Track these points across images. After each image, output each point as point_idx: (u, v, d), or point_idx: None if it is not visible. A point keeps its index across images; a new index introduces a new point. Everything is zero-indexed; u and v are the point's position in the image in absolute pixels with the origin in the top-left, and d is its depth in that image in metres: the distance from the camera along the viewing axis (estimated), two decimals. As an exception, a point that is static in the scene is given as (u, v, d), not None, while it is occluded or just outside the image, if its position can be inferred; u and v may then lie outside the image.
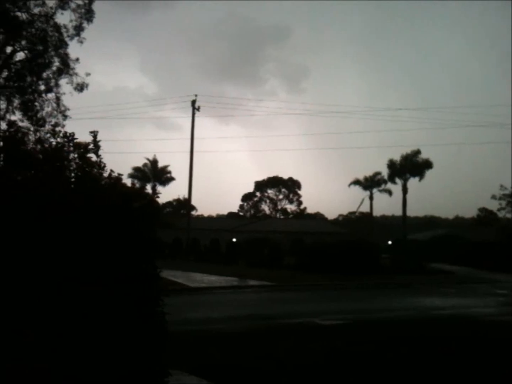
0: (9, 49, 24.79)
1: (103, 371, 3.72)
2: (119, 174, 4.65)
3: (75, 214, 3.97)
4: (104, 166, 4.67)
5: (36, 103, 25.42)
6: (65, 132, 4.67)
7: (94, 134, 4.74)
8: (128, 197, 4.33)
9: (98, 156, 4.68)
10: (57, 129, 4.97)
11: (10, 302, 3.73)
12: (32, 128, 24.32)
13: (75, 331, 3.71)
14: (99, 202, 4.11)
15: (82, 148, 4.60)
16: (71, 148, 4.60)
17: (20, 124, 24.45)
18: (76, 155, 4.59)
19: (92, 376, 3.69)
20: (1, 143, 4.62)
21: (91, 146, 4.66)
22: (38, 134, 22.95)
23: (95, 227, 3.99)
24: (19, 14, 24.43)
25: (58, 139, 4.62)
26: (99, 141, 4.73)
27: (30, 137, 5.02)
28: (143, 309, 4.07)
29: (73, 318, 3.73)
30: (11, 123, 4.82)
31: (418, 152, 57.69)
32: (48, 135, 5.03)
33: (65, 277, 3.78)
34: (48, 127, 24.20)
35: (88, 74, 26.17)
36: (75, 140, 4.64)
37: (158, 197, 5.13)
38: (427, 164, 57.34)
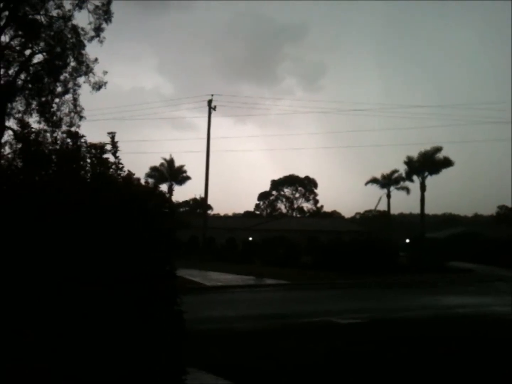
0: (27, 52, 25.13)
1: (105, 371, 3.72)
2: (130, 174, 4.65)
3: (75, 214, 3.98)
4: (123, 167, 4.67)
5: (54, 105, 25.71)
6: (76, 132, 4.69)
7: (112, 135, 4.74)
8: (125, 196, 4.27)
9: (116, 157, 4.68)
10: (73, 129, 5.05)
11: (10, 302, 3.75)
12: (49, 129, 24.57)
13: (75, 331, 3.71)
14: (104, 202, 4.09)
15: (98, 149, 4.62)
16: (84, 149, 4.63)
17: (38, 126, 24.80)
18: (89, 155, 4.61)
19: (94, 376, 3.68)
20: (19, 144, 4.68)
21: (109, 147, 4.67)
22: (54, 134, 23.20)
23: (93, 227, 3.99)
24: (37, 17, 24.75)
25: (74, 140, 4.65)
26: (117, 142, 4.73)
27: (48, 138, 5.08)
28: (147, 309, 4.02)
29: (73, 318, 3.73)
30: (24, 125, 4.86)
31: (438, 149, 55.88)
32: (64, 135, 5.08)
33: (65, 277, 3.78)
34: (64, 127, 24.48)
35: (105, 73, 26.37)
36: (88, 141, 4.65)
37: (163, 194, 5.08)
38: (447, 162, 55.56)
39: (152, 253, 4.22)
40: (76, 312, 3.75)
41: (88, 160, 4.58)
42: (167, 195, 5.13)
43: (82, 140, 4.65)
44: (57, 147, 4.77)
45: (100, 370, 3.72)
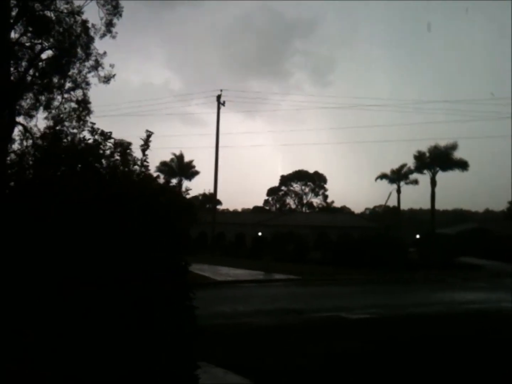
0: (36, 48, 25.19)
1: (106, 371, 3.69)
2: (142, 170, 4.61)
3: (76, 214, 3.96)
4: (148, 166, 4.64)
5: (62, 100, 25.80)
6: (103, 131, 4.62)
7: (149, 134, 4.73)
8: (128, 195, 4.19)
9: (144, 154, 4.66)
10: (77, 124, 4.96)
11: (11, 302, 3.73)
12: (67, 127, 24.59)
13: (75, 331, 3.68)
14: (105, 202, 4.03)
15: (121, 147, 4.58)
16: (108, 146, 4.58)
17: (45, 121, 24.92)
18: (109, 153, 4.56)
19: (94, 376, 3.65)
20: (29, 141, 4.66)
21: (142, 144, 4.65)
22: (81, 133, 23.20)
23: (93, 227, 3.96)
24: (47, 13, 24.80)
25: (96, 137, 4.59)
26: (150, 141, 4.72)
27: (69, 137, 5.01)
28: (147, 310, 3.96)
29: (73, 318, 3.71)
30: (57, 121, 4.86)
31: (453, 146, 54.18)
32: (74, 130, 5.03)
33: (64, 277, 3.76)
34: (74, 123, 24.55)
35: (112, 66, 26.35)
36: (112, 139, 4.59)
37: (173, 191, 5.00)
38: (463, 164, 53.57)
39: (153, 253, 4.15)
40: (75, 312, 3.73)
41: (109, 158, 4.53)
42: (183, 192, 5.01)
43: (104, 137, 4.57)
44: (64, 144, 4.70)
45: (101, 370, 3.69)
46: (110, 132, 4.61)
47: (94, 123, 4.66)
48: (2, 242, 3.91)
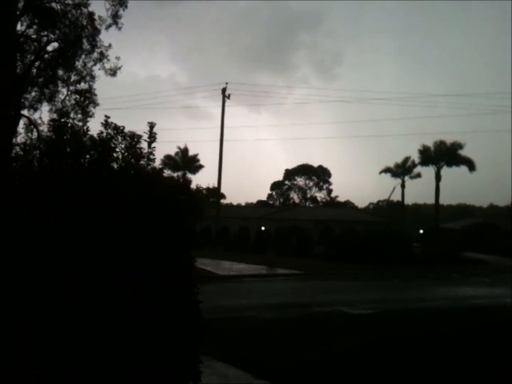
0: (42, 40, 25.17)
1: (105, 371, 3.70)
2: (149, 163, 4.60)
3: (74, 212, 3.95)
4: (154, 158, 4.62)
5: (68, 92, 25.83)
6: (116, 124, 4.57)
7: (151, 125, 4.70)
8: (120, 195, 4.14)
9: (150, 147, 4.63)
10: (80, 117, 4.92)
11: (10, 301, 3.74)
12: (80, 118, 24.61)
13: (75, 331, 3.70)
14: (97, 202, 4.01)
15: (129, 138, 4.55)
16: (120, 140, 4.57)
17: (49, 114, 24.98)
18: (122, 146, 4.54)
19: (94, 376, 3.66)
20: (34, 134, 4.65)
21: (146, 137, 4.64)
22: (86, 125, 23.17)
23: (90, 227, 3.95)
24: (53, 5, 24.76)
25: (109, 130, 4.56)
26: (155, 133, 4.68)
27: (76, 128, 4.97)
28: (147, 311, 3.96)
29: (73, 318, 3.72)
30: (63, 114, 4.85)
31: (460, 145, 53.26)
32: (80, 123, 5.02)
33: (64, 277, 3.76)
34: (79, 116, 24.59)
35: (118, 58, 26.33)
36: (124, 131, 4.57)
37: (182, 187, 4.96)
38: (469, 164, 53.53)
39: (159, 252, 4.13)
40: (75, 312, 3.73)
41: (119, 151, 4.52)
42: (195, 190, 4.97)
43: (117, 131, 4.53)
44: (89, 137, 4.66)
45: (101, 370, 3.70)
46: (123, 126, 4.60)
47: (108, 117, 4.64)
48: (2, 241, 3.91)
